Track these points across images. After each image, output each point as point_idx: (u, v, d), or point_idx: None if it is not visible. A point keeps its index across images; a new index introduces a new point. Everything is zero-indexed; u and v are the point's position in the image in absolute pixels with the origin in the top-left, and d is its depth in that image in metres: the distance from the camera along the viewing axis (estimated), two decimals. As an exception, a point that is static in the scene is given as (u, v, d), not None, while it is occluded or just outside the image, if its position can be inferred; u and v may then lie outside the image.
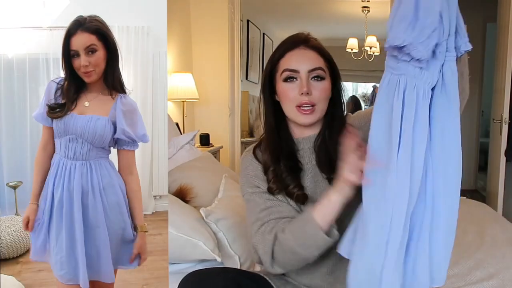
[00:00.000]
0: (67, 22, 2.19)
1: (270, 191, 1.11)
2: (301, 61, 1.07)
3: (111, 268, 1.14)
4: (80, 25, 1.09)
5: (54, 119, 1.09)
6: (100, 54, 1.09)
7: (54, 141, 1.14)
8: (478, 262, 1.55)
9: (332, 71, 1.11)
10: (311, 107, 1.05)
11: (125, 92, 1.15)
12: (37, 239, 1.12)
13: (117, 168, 1.20)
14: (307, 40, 1.10)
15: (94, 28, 1.09)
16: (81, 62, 1.05)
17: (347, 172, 0.91)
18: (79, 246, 1.07)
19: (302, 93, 1.05)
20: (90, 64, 1.07)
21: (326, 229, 0.97)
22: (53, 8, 2.38)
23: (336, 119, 1.11)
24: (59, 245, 1.09)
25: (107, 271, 1.13)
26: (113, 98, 1.12)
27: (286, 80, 1.07)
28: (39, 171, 1.15)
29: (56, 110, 1.08)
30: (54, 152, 1.15)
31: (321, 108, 1.08)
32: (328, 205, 0.96)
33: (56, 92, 1.12)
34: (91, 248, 1.09)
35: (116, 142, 1.16)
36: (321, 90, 1.06)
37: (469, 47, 0.84)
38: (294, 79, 1.07)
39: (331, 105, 1.10)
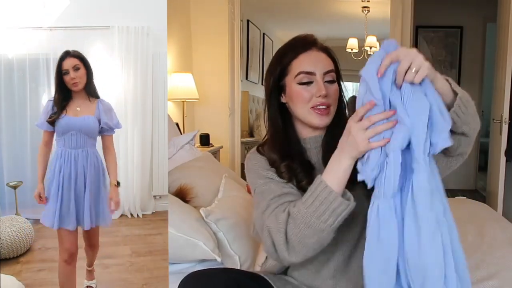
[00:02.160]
0: (67, 22, 2.30)
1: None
2: (316, 63, 1.07)
3: (108, 214, 1.62)
4: (68, 53, 1.59)
5: (56, 122, 1.54)
6: (82, 71, 1.57)
7: (52, 141, 1.58)
8: (478, 262, 1.55)
9: (337, 72, 1.12)
10: (326, 108, 1.06)
11: (99, 97, 1.61)
12: (50, 208, 1.54)
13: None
14: (316, 42, 1.10)
15: (77, 55, 1.60)
16: (71, 75, 1.54)
17: (359, 132, 0.87)
18: (83, 205, 1.54)
19: (319, 96, 1.05)
20: (76, 77, 1.55)
21: (339, 192, 0.92)
22: (53, 8, 2.38)
23: (342, 119, 1.10)
24: (61, 208, 1.53)
25: (104, 217, 1.62)
26: (91, 102, 1.59)
27: (301, 82, 1.07)
28: (42, 160, 1.57)
29: (51, 115, 1.54)
30: (51, 148, 1.59)
31: (333, 109, 1.08)
32: (338, 169, 0.92)
33: (53, 107, 1.56)
34: (90, 205, 1.55)
35: (99, 131, 1.60)
36: (334, 92, 1.08)
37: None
38: (310, 82, 1.06)
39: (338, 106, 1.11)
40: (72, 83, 1.53)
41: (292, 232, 0.95)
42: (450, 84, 0.90)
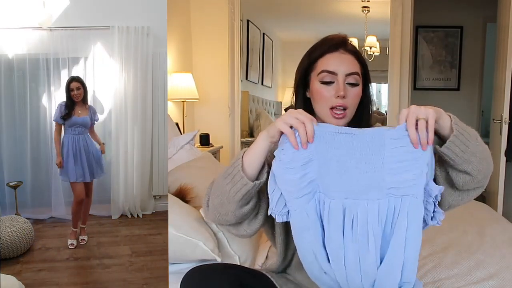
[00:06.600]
0: (67, 22, 2.34)
1: None
2: (340, 64, 1.08)
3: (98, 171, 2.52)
4: (73, 79, 2.39)
5: (67, 119, 2.39)
6: (81, 90, 2.38)
7: (61, 129, 2.41)
8: (478, 262, 1.55)
9: (365, 75, 1.12)
10: (343, 111, 1.07)
11: (88, 103, 2.44)
12: (66, 171, 2.40)
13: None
14: (345, 43, 1.11)
15: (79, 80, 2.40)
16: (74, 92, 2.36)
17: (280, 122, 0.94)
18: (87, 166, 2.43)
19: (338, 96, 1.06)
20: (78, 94, 2.37)
21: (249, 171, 0.98)
22: (53, 8, 2.38)
23: (364, 122, 1.12)
24: (75, 169, 2.39)
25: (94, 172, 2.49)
26: (86, 107, 2.43)
27: (323, 81, 1.08)
28: (58, 142, 2.41)
29: (66, 114, 2.38)
30: (61, 134, 2.43)
31: (351, 112, 1.09)
32: (253, 146, 0.99)
33: (64, 108, 2.38)
34: (90, 166, 2.45)
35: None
36: (354, 95, 1.08)
37: None
38: (331, 82, 1.08)
39: (359, 108, 1.12)
40: (75, 96, 2.38)
41: (211, 185, 1.06)
42: (451, 121, 0.91)
